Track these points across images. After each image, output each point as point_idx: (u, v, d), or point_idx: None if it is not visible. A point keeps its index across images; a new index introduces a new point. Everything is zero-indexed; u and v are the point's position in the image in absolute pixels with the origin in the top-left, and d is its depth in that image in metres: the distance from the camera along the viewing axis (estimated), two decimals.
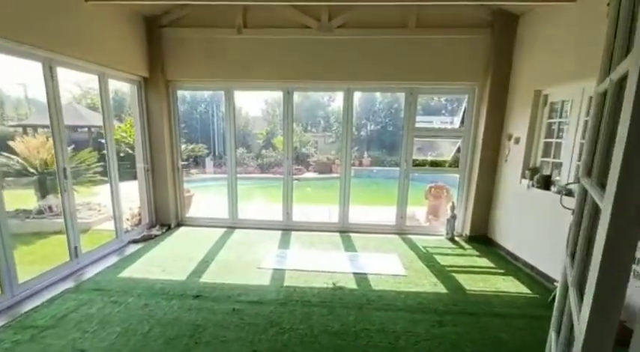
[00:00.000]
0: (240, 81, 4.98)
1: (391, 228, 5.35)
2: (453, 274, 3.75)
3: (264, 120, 18.25)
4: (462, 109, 4.99)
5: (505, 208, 4.53)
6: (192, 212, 6.32)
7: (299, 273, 3.71)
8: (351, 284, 3.47)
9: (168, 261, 3.97)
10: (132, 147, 8.29)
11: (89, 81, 14.91)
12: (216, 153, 16.07)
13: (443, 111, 14.15)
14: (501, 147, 4.63)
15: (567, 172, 3.51)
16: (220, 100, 17.83)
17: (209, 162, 14.52)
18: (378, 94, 16.95)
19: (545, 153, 4.01)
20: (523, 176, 4.15)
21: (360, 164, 15.05)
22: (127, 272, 3.66)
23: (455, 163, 8.38)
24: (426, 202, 5.90)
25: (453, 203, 4.99)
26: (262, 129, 17.58)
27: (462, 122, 5.01)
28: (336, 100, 18.18)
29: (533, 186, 3.91)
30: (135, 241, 4.70)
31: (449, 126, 5.34)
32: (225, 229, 5.34)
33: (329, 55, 4.70)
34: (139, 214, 5.36)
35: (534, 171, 4.00)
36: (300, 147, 16.34)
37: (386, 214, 7.16)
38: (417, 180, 6.00)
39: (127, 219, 5.39)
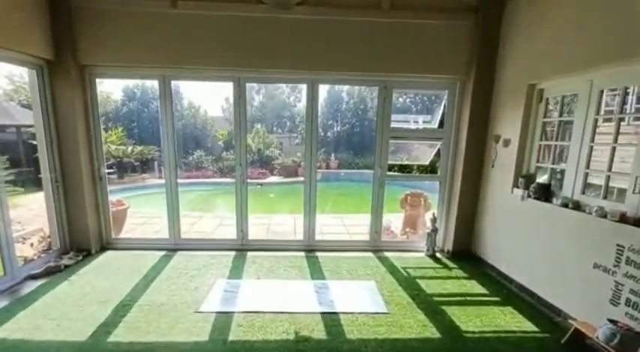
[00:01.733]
0: (178, 67, 3.99)
1: (365, 245, 4.61)
2: (443, 307, 3.07)
3: (225, 120, 16.98)
4: (442, 107, 4.36)
5: (494, 221, 3.96)
6: (127, 231, 5.19)
7: (252, 317, 2.83)
8: (320, 332, 2.65)
9: (70, 308, 2.91)
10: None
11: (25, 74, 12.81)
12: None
13: (415, 109, 13.63)
14: (487, 150, 4.07)
15: (572, 181, 2.96)
16: (177, 96, 16.38)
17: (160, 165, 13.07)
18: (344, 94, 16.37)
19: (542, 158, 3.47)
20: (515, 184, 3.58)
21: (328, 167, 14.35)
22: (1, 332, 2.57)
23: (432, 168, 7.91)
24: (402, 212, 5.25)
25: (434, 215, 4.35)
26: (223, 129, 16.33)
27: (442, 122, 4.41)
28: (302, 100, 17.39)
29: (529, 196, 3.34)
30: (34, 276, 3.55)
31: (426, 126, 4.67)
32: (164, 253, 4.30)
33: (288, 39, 3.87)
34: (49, 236, 4.19)
35: (529, 178, 3.44)
36: (263, 150, 15.33)
37: (358, 224, 6.47)
38: (393, 183, 5.34)
39: (32, 245, 4.20)
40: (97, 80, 4.06)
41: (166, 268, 3.83)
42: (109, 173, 4.55)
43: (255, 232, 5.43)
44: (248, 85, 4.20)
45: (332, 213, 8.42)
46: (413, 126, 4.62)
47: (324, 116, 16.33)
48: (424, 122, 4.80)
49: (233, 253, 4.38)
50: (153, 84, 15.53)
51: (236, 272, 3.78)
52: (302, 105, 17.05)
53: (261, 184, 12.48)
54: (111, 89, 16.30)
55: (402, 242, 4.76)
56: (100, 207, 4.32)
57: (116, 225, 4.67)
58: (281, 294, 3.25)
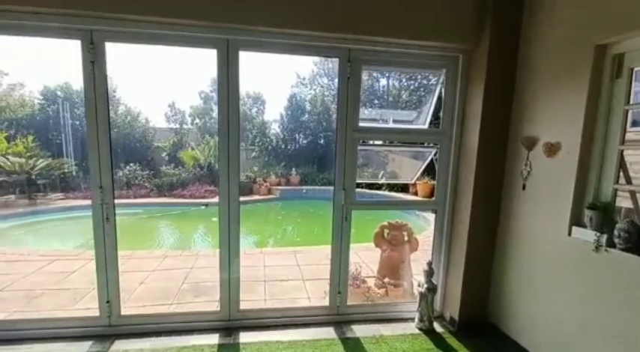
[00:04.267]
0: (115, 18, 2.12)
1: (323, 312, 2.88)
2: None
3: (170, 130, 14.75)
4: (433, 98, 2.82)
5: (530, 279, 2.41)
6: None
7: None
8: None
9: None
10: None
11: None
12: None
13: (388, 101, 11.72)
14: (512, 162, 2.56)
15: None
16: (112, 101, 13.76)
17: (77, 182, 10.64)
18: (307, 103, 14.87)
19: (625, 175, 1.98)
20: (577, 220, 2.06)
21: (288, 183, 12.60)
22: None
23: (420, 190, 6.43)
24: (378, 253, 3.60)
25: (429, 265, 2.72)
26: (166, 140, 14.09)
27: (436, 120, 2.91)
28: (266, 112, 15.59)
29: (612, 245, 1.82)
30: None
31: (410, 127, 3.08)
32: None
33: None
34: None
35: (605, 211, 1.93)
36: (214, 163, 13.28)
37: (319, 262, 4.75)
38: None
39: None
40: None
41: None
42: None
43: (148, 293, 3.55)
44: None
45: (284, 245, 6.65)
46: (391, 124, 3.03)
47: (284, 127, 14.68)
48: (405, 122, 3.24)
49: (87, 344, 2.46)
50: (79, 84, 13.05)
51: None
52: (266, 116, 15.29)
53: (206, 204, 10.42)
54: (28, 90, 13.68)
55: (380, 305, 3.07)
56: None
57: None
58: None
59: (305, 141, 14.10)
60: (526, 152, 2.40)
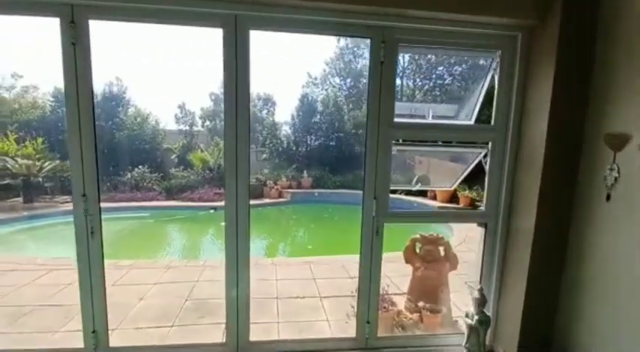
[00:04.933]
0: None
1: (349, 346, 2.39)
2: None
3: (178, 131, 14.50)
4: (483, 86, 2.32)
5: (617, 311, 1.88)
6: None
7: None
8: None
9: None
10: None
11: None
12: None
13: (420, 93, 10.10)
14: (590, 165, 2.04)
15: None
16: (122, 102, 13.69)
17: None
18: (319, 104, 14.41)
19: None
20: None
21: (300, 186, 12.15)
22: None
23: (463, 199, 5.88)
24: (404, 263, 3.10)
25: (480, 292, 2.20)
26: (176, 142, 13.83)
27: (480, 118, 2.42)
28: (276, 113, 15.15)
29: None
30: None
31: (452, 123, 2.58)
32: None
33: None
34: None
35: None
36: (223, 165, 12.92)
37: (338, 275, 4.27)
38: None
39: None
40: None
41: None
42: None
43: (147, 311, 3.14)
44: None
45: (295, 253, 6.19)
46: (430, 120, 2.52)
47: (295, 128, 14.26)
48: (444, 117, 2.74)
49: None
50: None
51: None
52: (276, 118, 14.87)
53: (215, 208, 10.06)
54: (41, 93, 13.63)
55: (416, 337, 2.57)
56: None
57: None
58: None
59: (317, 143, 13.64)
60: (611, 153, 1.88)
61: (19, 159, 9.48)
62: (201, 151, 13.11)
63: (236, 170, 2.15)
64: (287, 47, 16.57)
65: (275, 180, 11.96)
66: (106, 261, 4.64)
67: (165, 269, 4.59)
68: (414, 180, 3.01)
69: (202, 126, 14.83)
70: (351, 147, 13.11)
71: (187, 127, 14.46)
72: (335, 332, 3.01)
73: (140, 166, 11.61)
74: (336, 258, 5.03)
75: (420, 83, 13.15)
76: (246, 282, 2.27)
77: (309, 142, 13.83)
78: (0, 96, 14.12)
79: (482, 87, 2.36)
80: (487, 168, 2.35)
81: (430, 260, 2.95)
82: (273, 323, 3.19)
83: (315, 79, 15.56)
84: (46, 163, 9.70)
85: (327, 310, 3.47)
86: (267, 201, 10.85)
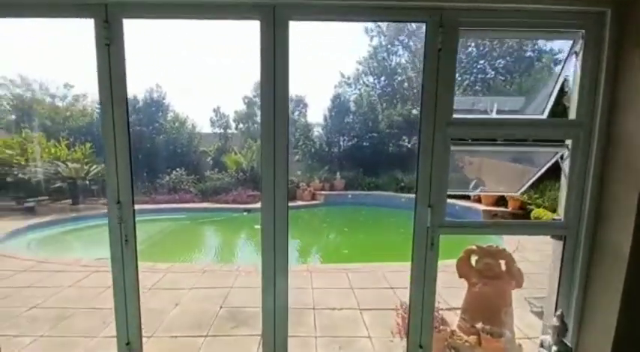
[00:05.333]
0: None
1: None
2: None
3: (213, 134, 14.87)
4: (560, 74, 1.95)
5: None
6: None
7: None
8: None
9: None
10: None
11: None
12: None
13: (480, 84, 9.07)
14: None
15: None
16: (161, 107, 14.21)
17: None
18: (352, 104, 14.12)
19: None
20: None
21: (332, 188, 11.94)
22: None
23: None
24: (452, 273, 2.75)
25: (561, 318, 1.84)
26: (211, 144, 14.17)
27: (558, 108, 2.05)
28: (308, 114, 15.06)
29: None
30: None
31: (520, 117, 2.22)
32: None
33: None
34: None
35: None
36: (257, 167, 13.03)
37: (377, 285, 3.97)
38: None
39: None
40: None
41: None
42: None
43: (182, 318, 3.05)
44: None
45: (330, 259, 5.97)
46: (495, 115, 2.19)
47: (327, 129, 14.08)
48: (509, 111, 2.38)
49: None
50: (132, 92, 13.56)
51: None
52: (308, 119, 14.78)
53: (248, 210, 10.10)
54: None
55: None
56: None
57: None
58: None
59: (350, 144, 13.36)
60: None
61: (69, 164, 10.10)
62: (235, 153, 13.32)
63: (274, 171, 1.96)
64: (319, 47, 16.39)
65: (308, 182, 11.85)
66: (144, 264, 4.69)
67: (201, 273, 4.55)
68: (472, 183, 2.67)
69: (236, 128, 15.13)
70: (386, 147, 12.69)
71: (222, 130, 14.79)
72: (379, 351, 2.75)
73: (178, 169, 11.98)
74: (375, 266, 4.74)
75: (459, 78, 12.48)
76: (284, 291, 2.09)
77: (341, 143, 13.59)
78: (54, 105, 15.28)
79: (559, 75, 1.99)
80: (565, 170, 1.98)
81: (490, 275, 2.59)
82: (310, 337, 2.99)
83: (348, 78, 15.30)
84: (93, 167, 10.25)
85: (368, 324, 3.21)
86: (299, 203, 10.75)
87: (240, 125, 15.14)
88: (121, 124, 1.94)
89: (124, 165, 1.97)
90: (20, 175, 9.42)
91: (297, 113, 15.09)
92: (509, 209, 7.14)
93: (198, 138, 14.18)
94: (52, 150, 10.39)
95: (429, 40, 1.82)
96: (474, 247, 2.71)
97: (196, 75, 17.82)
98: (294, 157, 13.95)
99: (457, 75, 1.92)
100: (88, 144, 11.20)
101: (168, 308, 3.49)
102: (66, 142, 10.90)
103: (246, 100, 15.45)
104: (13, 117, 13.81)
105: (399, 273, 4.42)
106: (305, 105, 15.07)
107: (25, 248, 5.89)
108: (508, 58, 10.13)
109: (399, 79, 13.64)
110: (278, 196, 1.99)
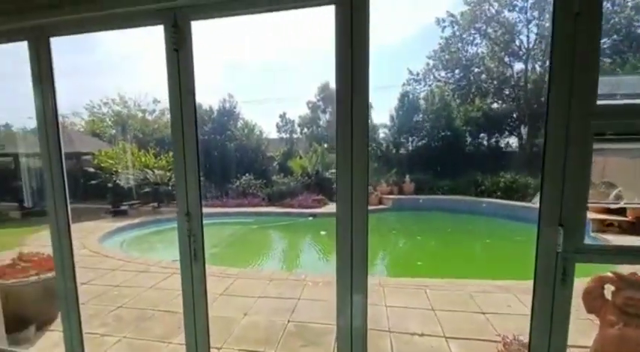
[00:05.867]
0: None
1: None
2: None
3: (279, 139, 15.30)
4: None
5: None
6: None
7: None
8: None
9: None
10: None
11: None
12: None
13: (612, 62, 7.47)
14: None
15: None
16: (232, 116, 15.12)
17: (204, 191, 11.69)
18: (421, 101, 13.24)
19: None
20: None
21: (401, 191, 11.26)
22: None
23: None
24: (591, 320, 2.11)
25: None
26: (277, 149, 14.58)
27: None
28: (373, 116, 14.59)
29: None
30: None
31: None
32: None
33: None
34: None
35: None
36: (322, 171, 12.98)
37: (465, 308, 3.36)
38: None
39: None
40: None
41: None
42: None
43: (250, 330, 2.89)
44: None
45: (402, 271, 5.45)
46: None
47: (395, 129, 13.41)
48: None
49: None
50: (208, 103, 14.61)
51: None
52: (373, 121, 14.31)
53: (314, 215, 10.01)
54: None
55: None
56: None
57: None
58: None
59: (419, 144, 12.51)
60: None
61: (155, 171, 11.25)
62: (300, 157, 13.47)
63: (351, 168, 1.69)
64: (386, 47, 15.76)
65: (374, 186, 11.37)
66: (215, 268, 4.73)
67: (269, 281, 4.47)
68: (613, 193, 2.02)
69: (301, 133, 15.37)
70: (461, 146, 11.58)
71: (287, 135, 15.14)
72: None
73: (247, 174, 12.53)
74: (459, 284, 4.14)
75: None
76: (362, 311, 1.79)
77: (410, 144, 12.81)
78: (145, 119, 17.35)
79: None
80: None
81: (635, 314, 1.92)
82: None
83: (417, 75, 14.41)
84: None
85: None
86: (371, 207, 10.34)
87: (305, 129, 15.35)
88: (190, 133, 1.89)
89: (193, 179, 1.91)
90: (117, 181, 10.79)
91: None
92: (629, 217, 5.77)
93: (265, 143, 14.71)
94: (143, 159, 11.67)
95: (557, 11, 1.34)
96: (609, 274, 2.05)
97: (264, 83, 18.66)
98: None
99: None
100: (171, 153, 12.35)
101: (237, 318, 3.42)
102: (153, 152, 12.16)
103: (310, 105, 15.62)
104: (114, 131, 15.99)
105: (490, 295, 3.77)
106: (369, 106, 14.67)
107: (119, 247, 6.54)
108: None
109: (476, 70, 12.38)
110: (356, 205, 1.70)
